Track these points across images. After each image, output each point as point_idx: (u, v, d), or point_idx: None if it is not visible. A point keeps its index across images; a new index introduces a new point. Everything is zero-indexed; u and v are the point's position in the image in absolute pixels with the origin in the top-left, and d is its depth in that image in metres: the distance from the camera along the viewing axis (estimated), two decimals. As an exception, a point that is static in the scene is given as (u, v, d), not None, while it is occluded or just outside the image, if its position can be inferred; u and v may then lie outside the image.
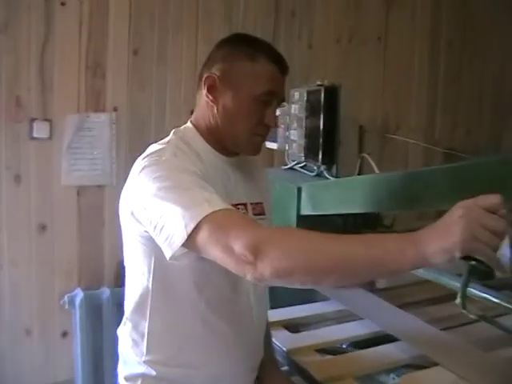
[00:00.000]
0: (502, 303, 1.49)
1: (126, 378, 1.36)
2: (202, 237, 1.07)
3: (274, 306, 1.86)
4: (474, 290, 1.71)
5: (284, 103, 1.74)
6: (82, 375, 2.72)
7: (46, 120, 2.67)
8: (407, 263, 0.94)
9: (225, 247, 1.05)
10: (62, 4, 2.64)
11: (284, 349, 1.66)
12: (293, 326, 1.85)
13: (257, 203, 1.42)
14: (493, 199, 0.90)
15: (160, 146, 1.28)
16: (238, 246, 1.03)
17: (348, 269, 1.00)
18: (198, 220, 1.07)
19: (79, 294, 2.71)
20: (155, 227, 1.14)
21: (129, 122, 2.82)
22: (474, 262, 0.94)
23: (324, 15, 3.28)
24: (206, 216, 1.07)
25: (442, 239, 0.90)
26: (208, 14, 2.95)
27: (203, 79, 1.33)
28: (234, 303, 1.35)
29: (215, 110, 1.32)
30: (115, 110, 2.80)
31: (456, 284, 1.94)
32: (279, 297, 1.82)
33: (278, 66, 1.31)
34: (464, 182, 1.27)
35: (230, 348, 1.35)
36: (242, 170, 1.40)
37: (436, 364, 1.50)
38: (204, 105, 1.35)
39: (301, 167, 2.37)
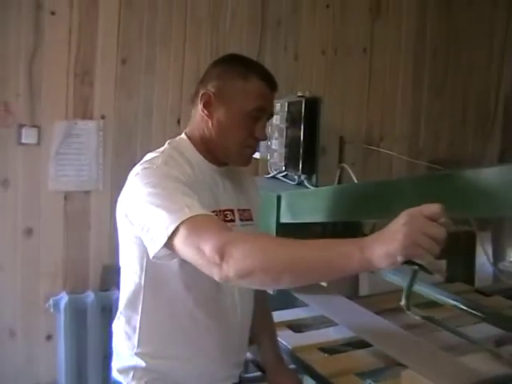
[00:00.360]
0: (461, 306, 1.54)
1: (119, 371, 1.44)
2: (180, 239, 1.15)
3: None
4: (441, 297, 1.78)
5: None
6: (66, 379, 2.73)
7: (34, 126, 2.70)
8: (355, 266, 1.01)
9: (197, 249, 1.13)
10: (52, 13, 2.67)
11: (289, 347, 1.79)
12: (296, 326, 1.96)
13: (244, 210, 1.50)
14: (434, 208, 0.97)
15: (155, 154, 1.38)
16: (208, 249, 1.11)
17: (301, 270, 1.07)
18: (178, 223, 1.15)
19: (64, 298, 2.73)
20: (143, 228, 1.23)
21: (116, 129, 2.85)
22: (416, 267, 1.00)
23: (309, 26, 3.31)
24: (185, 220, 1.15)
25: (386, 244, 0.97)
26: (195, 24, 2.99)
27: (199, 95, 1.42)
28: (219, 302, 1.43)
29: (210, 124, 1.42)
30: (103, 117, 2.82)
31: (432, 293, 2.01)
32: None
33: (267, 83, 1.41)
34: (428, 191, 1.34)
35: (215, 343, 1.44)
36: (231, 179, 1.49)
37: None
38: (199, 118, 1.44)
39: (283, 176, 2.41)
